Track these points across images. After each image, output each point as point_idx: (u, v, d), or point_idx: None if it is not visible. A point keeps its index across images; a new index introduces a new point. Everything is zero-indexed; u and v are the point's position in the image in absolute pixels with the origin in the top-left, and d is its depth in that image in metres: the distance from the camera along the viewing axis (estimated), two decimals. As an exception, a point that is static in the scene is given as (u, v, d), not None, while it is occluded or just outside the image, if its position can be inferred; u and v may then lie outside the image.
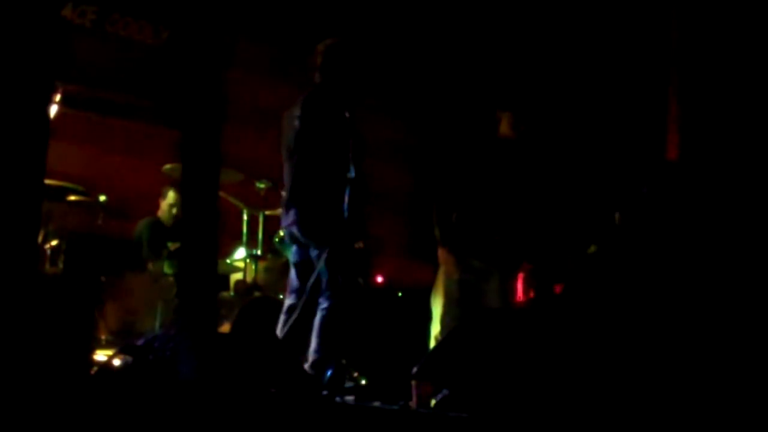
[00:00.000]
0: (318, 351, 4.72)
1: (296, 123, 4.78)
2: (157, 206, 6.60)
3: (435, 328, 5.06)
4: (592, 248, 5.26)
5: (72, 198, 5.43)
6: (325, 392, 4.61)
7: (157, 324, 5.36)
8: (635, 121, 7.08)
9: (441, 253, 5.09)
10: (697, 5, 6.82)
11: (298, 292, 4.83)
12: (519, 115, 5.15)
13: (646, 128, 6.99)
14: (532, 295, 5.25)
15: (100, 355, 4.81)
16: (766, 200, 4.44)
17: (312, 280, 4.73)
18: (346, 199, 4.67)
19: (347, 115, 4.79)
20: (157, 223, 6.51)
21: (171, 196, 6.50)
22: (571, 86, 7.32)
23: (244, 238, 6.14)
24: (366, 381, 5.44)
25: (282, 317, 4.85)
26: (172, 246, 5.91)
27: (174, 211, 6.48)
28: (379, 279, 7.02)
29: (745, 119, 6.25)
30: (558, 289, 5.44)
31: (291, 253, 5.14)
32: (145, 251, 6.20)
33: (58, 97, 4.87)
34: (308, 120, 4.76)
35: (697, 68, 6.77)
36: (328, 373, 4.86)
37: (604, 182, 6.40)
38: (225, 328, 5.30)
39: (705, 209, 4.41)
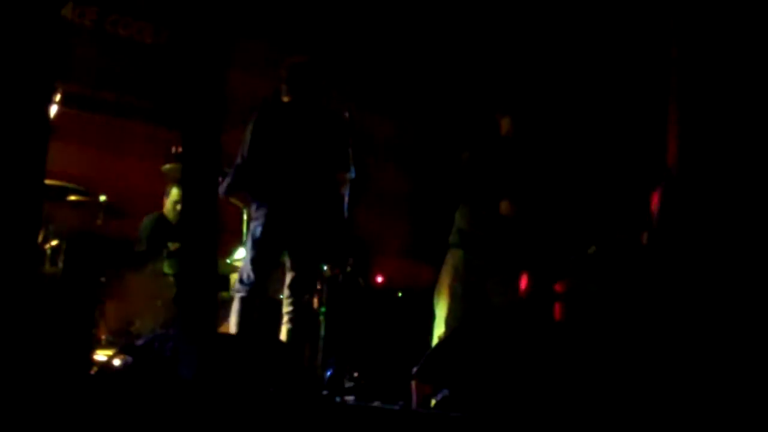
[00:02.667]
0: None
1: None
2: (160, 205, 6.60)
3: (439, 330, 5.05)
4: (592, 249, 5.26)
5: (72, 198, 5.42)
6: (325, 392, 4.62)
7: (157, 324, 5.35)
8: (635, 125, 7.08)
9: (450, 252, 5.10)
10: (697, 13, 6.82)
11: None
12: (518, 119, 5.16)
13: (646, 132, 6.99)
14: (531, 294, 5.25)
15: (100, 355, 4.81)
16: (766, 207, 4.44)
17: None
18: (346, 199, 4.72)
19: (347, 115, 4.83)
20: (161, 218, 6.50)
21: (174, 193, 6.49)
22: (571, 90, 7.32)
23: (244, 238, 6.14)
24: (366, 381, 5.45)
25: None
26: (172, 246, 5.90)
27: (178, 207, 6.46)
28: (379, 279, 7.02)
29: (746, 127, 6.25)
30: (558, 288, 5.44)
31: None
32: (146, 246, 6.19)
33: (58, 97, 4.86)
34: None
35: (698, 76, 6.77)
36: (328, 373, 4.88)
37: (605, 183, 6.41)
38: (225, 328, 5.30)
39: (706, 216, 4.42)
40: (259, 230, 4.92)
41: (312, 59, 5.17)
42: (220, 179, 4.89)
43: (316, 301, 5.88)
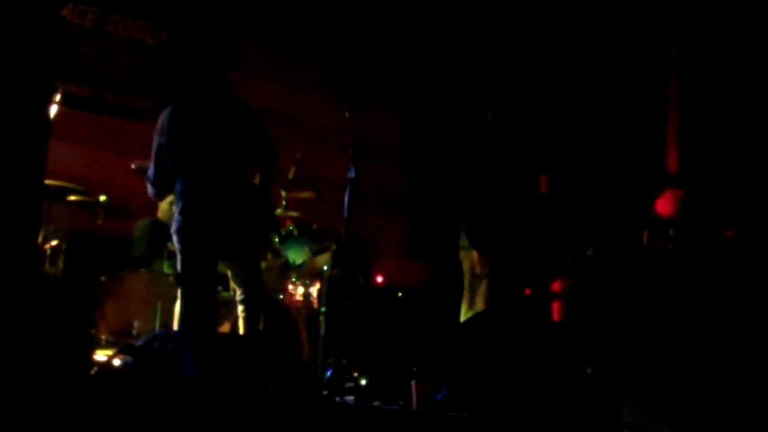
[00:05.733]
0: None
1: None
2: (157, 207, 6.58)
3: None
4: (590, 250, 5.27)
5: (72, 198, 5.42)
6: (325, 392, 4.62)
7: (157, 324, 5.35)
8: (634, 125, 7.09)
9: (469, 255, 5.07)
10: (697, 18, 6.84)
11: None
12: (501, 114, 5.16)
13: (645, 132, 7.00)
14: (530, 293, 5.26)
15: (100, 355, 4.81)
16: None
17: None
18: (346, 198, 4.72)
19: (347, 115, 4.83)
20: (156, 223, 6.49)
21: (170, 195, 6.47)
22: (570, 89, 7.32)
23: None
24: (366, 381, 5.45)
25: None
26: (171, 246, 5.90)
27: (174, 208, 6.44)
28: (379, 279, 7.02)
29: (746, 129, 6.26)
30: (557, 288, 5.45)
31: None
32: (145, 251, 6.19)
33: (58, 97, 4.86)
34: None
35: (697, 78, 6.78)
36: (328, 373, 4.87)
37: (604, 183, 6.41)
38: (225, 328, 5.31)
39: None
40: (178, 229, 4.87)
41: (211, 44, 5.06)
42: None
43: (316, 301, 5.89)
